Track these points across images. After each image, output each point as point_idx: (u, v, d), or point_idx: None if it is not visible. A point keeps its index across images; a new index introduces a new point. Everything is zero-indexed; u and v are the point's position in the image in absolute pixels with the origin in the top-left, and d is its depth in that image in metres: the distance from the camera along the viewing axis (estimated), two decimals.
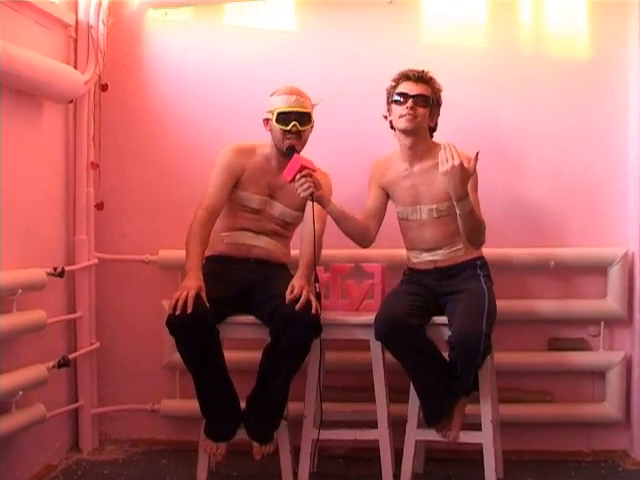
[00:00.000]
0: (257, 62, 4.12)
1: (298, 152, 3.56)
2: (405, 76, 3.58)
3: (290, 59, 4.10)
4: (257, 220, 3.69)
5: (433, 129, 3.65)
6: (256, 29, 4.13)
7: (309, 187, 3.36)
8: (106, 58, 4.06)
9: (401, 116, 3.54)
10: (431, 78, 3.59)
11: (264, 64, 4.11)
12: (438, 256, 3.60)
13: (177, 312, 3.30)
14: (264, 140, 3.70)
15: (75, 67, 3.99)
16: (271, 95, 3.64)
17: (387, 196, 3.71)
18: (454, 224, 3.49)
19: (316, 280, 3.44)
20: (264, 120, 3.66)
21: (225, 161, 3.66)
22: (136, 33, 4.17)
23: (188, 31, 4.19)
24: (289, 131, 3.57)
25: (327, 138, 3.80)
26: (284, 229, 3.74)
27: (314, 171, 3.41)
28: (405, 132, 3.56)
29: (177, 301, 3.31)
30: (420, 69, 3.58)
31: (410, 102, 3.52)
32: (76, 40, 4.02)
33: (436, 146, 3.54)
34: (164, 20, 4.16)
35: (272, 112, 3.60)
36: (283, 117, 3.57)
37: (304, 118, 3.60)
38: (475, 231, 3.43)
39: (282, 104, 3.58)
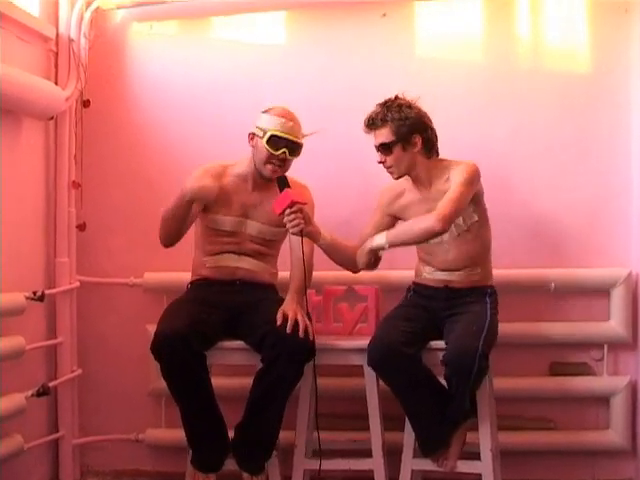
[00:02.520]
0: (245, 77, 4.10)
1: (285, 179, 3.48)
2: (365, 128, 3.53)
3: (280, 74, 4.08)
4: (235, 242, 3.64)
5: (429, 147, 3.52)
6: (244, 43, 4.12)
7: (299, 224, 3.32)
8: (88, 73, 4.03)
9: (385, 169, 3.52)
10: (384, 117, 3.45)
11: (252, 79, 4.08)
12: (454, 277, 3.56)
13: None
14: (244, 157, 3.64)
15: (56, 82, 3.96)
16: (265, 111, 3.55)
17: (393, 223, 3.62)
18: (475, 242, 3.52)
19: (308, 317, 3.42)
20: (250, 134, 3.58)
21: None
22: (120, 47, 4.15)
23: (174, 45, 4.17)
24: (276, 157, 3.50)
25: (318, 156, 3.77)
26: (266, 247, 3.68)
27: (304, 204, 3.35)
28: (397, 180, 3.54)
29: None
30: (371, 112, 3.48)
31: (379, 156, 3.50)
32: (57, 54, 3.99)
33: (440, 162, 3.51)
34: (149, 33, 4.15)
35: (263, 130, 3.51)
36: (275, 140, 3.49)
37: (295, 148, 3.53)
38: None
39: (277, 127, 3.49)
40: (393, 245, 3.40)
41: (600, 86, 3.96)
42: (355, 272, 3.62)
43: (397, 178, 3.53)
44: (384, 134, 3.46)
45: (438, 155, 3.55)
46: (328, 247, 3.47)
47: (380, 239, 3.40)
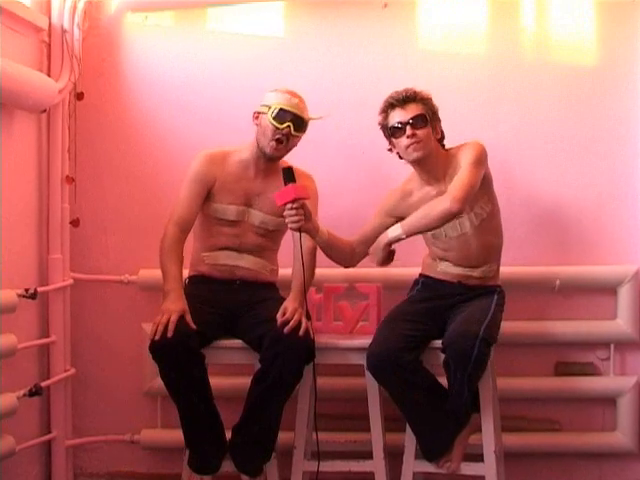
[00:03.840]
0: (242, 70, 4.06)
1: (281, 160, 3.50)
2: (391, 105, 3.47)
3: (278, 66, 4.04)
4: (237, 235, 3.60)
5: (442, 140, 3.54)
6: (242, 35, 4.08)
7: (299, 220, 3.30)
8: (82, 65, 3.99)
9: (407, 147, 3.44)
10: (416, 93, 3.47)
11: (250, 72, 4.05)
12: (473, 273, 3.54)
13: (157, 337, 3.24)
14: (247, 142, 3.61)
15: (48, 74, 3.92)
16: (271, 91, 3.54)
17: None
18: (493, 232, 3.54)
19: (308, 317, 3.39)
20: (255, 113, 3.55)
21: (194, 171, 3.58)
22: (114, 38, 4.11)
23: (169, 36, 4.13)
24: (281, 131, 3.46)
25: (317, 149, 3.75)
26: (268, 239, 3.65)
27: (307, 198, 3.33)
28: (418, 161, 3.47)
29: (158, 326, 3.25)
30: (401, 90, 3.47)
31: (409, 130, 3.42)
32: (49, 45, 3.95)
33: (448, 152, 3.50)
34: (144, 25, 4.11)
35: (269, 106, 3.49)
36: (281, 114, 3.46)
37: (300, 124, 3.50)
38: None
39: (284, 101, 3.48)
40: (410, 234, 3.34)
41: (607, 79, 3.93)
42: (347, 267, 3.62)
43: (417, 158, 3.43)
44: (417, 108, 3.44)
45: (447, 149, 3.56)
46: (324, 244, 3.46)
47: (395, 230, 3.34)
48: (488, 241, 3.52)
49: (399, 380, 3.33)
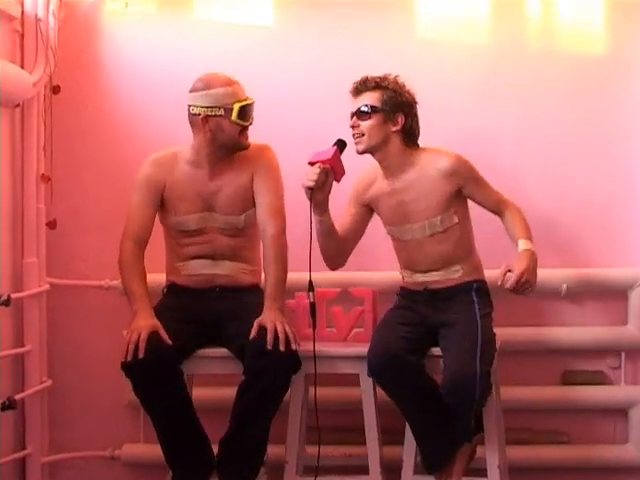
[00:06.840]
0: (230, 61, 3.97)
1: None
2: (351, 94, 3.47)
3: (268, 58, 4.03)
4: (207, 242, 3.53)
5: (408, 135, 3.45)
6: (229, 24, 4.08)
7: (316, 181, 3.23)
8: (58, 56, 3.96)
9: (353, 137, 3.43)
10: (378, 83, 3.41)
11: (238, 63, 3.95)
12: (431, 277, 3.48)
13: (129, 358, 3.23)
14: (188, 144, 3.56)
15: (22, 66, 3.89)
16: (203, 89, 3.42)
17: (370, 215, 3.59)
18: (451, 242, 3.45)
19: (312, 309, 3.35)
20: (202, 119, 3.42)
21: (140, 176, 3.56)
22: (92, 27, 4.09)
23: (152, 26, 4.12)
24: (246, 127, 3.44)
25: (310, 144, 3.66)
26: (242, 239, 3.56)
27: (339, 174, 3.29)
28: (367, 153, 3.44)
29: (129, 345, 3.24)
30: (365, 76, 3.44)
31: (352, 121, 3.42)
32: (22, 35, 3.92)
33: (418, 153, 3.44)
34: (124, 13, 4.08)
35: (223, 107, 3.39)
36: (244, 111, 3.42)
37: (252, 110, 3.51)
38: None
39: (241, 97, 3.43)
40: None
41: (616, 71, 3.93)
42: (332, 269, 3.57)
43: (362, 151, 3.42)
44: (371, 98, 3.40)
45: (417, 148, 3.50)
46: (327, 229, 3.40)
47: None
48: (443, 250, 3.45)
49: (405, 383, 3.29)
